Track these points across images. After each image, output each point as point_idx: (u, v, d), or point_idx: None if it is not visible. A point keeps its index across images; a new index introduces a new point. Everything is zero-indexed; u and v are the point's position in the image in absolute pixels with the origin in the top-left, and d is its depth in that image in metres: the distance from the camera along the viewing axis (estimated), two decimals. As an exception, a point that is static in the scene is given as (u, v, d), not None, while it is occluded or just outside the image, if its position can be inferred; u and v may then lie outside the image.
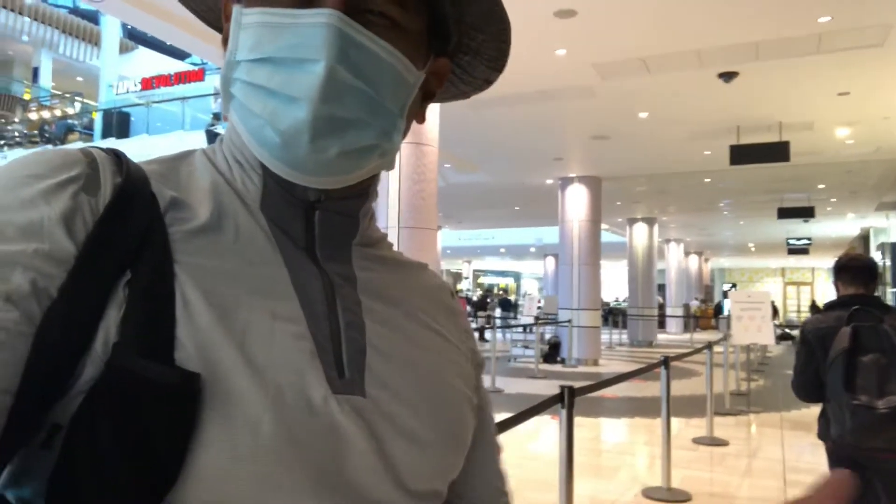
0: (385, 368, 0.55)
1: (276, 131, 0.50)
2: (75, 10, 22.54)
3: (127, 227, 0.48)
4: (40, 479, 0.44)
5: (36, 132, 19.53)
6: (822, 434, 2.93)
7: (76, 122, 19.99)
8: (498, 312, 24.35)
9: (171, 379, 0.43)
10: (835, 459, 2.92)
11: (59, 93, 22.64)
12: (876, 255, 19.91)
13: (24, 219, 0.45)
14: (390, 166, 0.58)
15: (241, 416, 0.45)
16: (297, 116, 0.49)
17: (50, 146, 17.68)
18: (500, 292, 36.59)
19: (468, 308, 24.44)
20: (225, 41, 0.57)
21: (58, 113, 20.88)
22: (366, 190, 0.59)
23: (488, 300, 25.54)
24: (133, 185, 0.50)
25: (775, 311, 17.28)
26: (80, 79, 23.58)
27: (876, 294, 3.00)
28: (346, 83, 0.50)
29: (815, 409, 3.01)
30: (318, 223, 0.56)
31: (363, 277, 0.59)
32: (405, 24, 0.54)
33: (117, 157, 0.52)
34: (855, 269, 2.94)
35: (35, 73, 22.98)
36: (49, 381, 0.43)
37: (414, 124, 0.61)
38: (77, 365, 0.44)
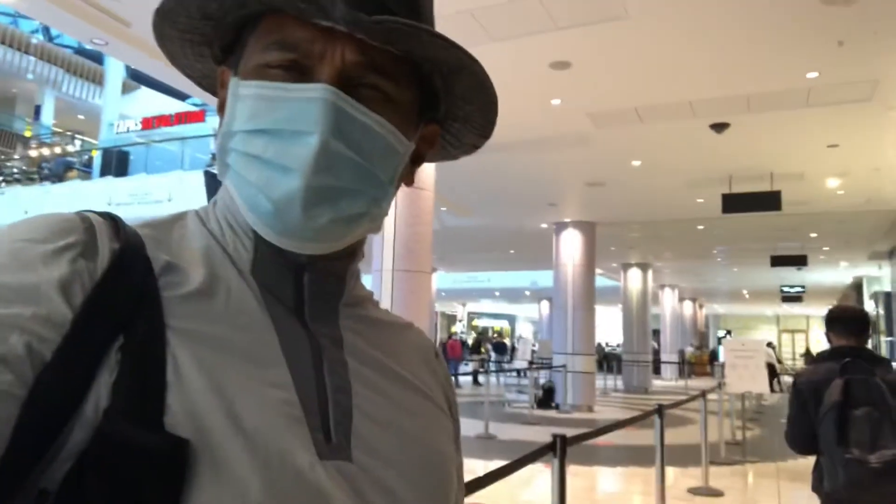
0: (371, 432, 0.55)
1: (270, 200, 0.52)
2: (80, 51, 22.91)
3: (122, 292, 0.49)
4: None
5: (35, 169, 19.64)
6: (816, 488, 2.90)
7: (75, 160, 20.14)
8: (493, 356, 24.19)
9: (160, 445, 0.44)
10: None
11: (60, 130, 22.86)
12: (869, 304, 19.97)
13: (22, 283, 0.46)
14: (378, 230, 0.59)
15: (229, 481, 0.45)
16: (290, 186, 0.51)
17: (48, 183, 17.78)
18: (495, 335, 36.36)
19: (463, 351, 24.29)
20: (221, 108, 0.58)
21: (57, 150, 21.03)
22: (353, 251, 0.61)
23: (483, 343, 25.38)
24: (130, 251, 0.51)
25: (774, 366, 17.00)
26: (81, 117, 23.84)
27: (867, 345, 3.00)
28: (339, 154, 0.52)
29: (811, 459, 2.99)
30: (308, 285, 0.58)
31: (350, 339, 0.60)
32: (396, 97, 0.56)
33: (114, 221, 0.54)
34: (847, 320, 2.95)
35: (37, 110, 23.23)
36: (37, 443, 0.43)
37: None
38: (66, 428, 0.44)
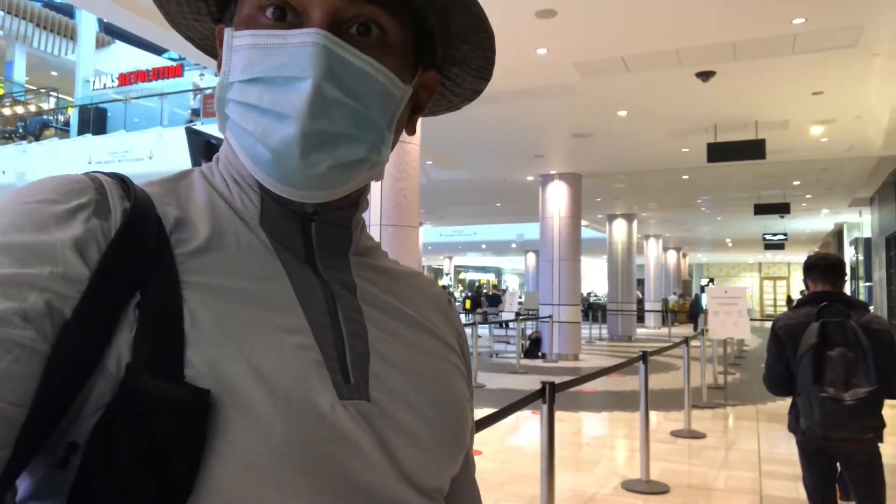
0: (388, 373, 0.57)
1: (268, 148, 0.52)
2: (50, 4, 22.12)
3: (136, 250, 0.50)
4: (58, 497, 0.46)
5: (10, 128, 19.18)
6: (792, 427, 3.02)
7: (52, 118, 19.67)
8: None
9: (182, 396, 0.45)
10: (804, 451, 3.02)
11: (33, 88, 22.24)
12: (849, 251, 20.29)
13: (38, 243, 0.47)
14: (379, 177, 0.60)
15: (253, 426, 0.47)
16: (286, 133, 0.51)
17: (24, 142, 17.40)
18: (492, 289, 36.52)
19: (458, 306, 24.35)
20: (220, 66, 0.58)
21: (32, 108, 20.50)
22: (356, 201, 0.62)
23: (482, 298, 25.39)
24: (140, 209, 0.52)
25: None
26: (54, 73, 23.16)
27: (843, 291, 3.10)
28: (334, 99, 0.52)
29: (788, 401, 3.10)
30: (315, 235, 0.59)
31: (362, 286, 0.61)
32: (391, 38, 0.56)
33: (123, 181, 0.55)
34: (823, 266, 3.04)
35: (8, 67, 22.54)
36: (62, 397, 0.45)
37: None
38: (88, 383, 0.46)
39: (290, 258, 0.58)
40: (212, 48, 0.66)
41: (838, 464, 2.98)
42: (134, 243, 0.50)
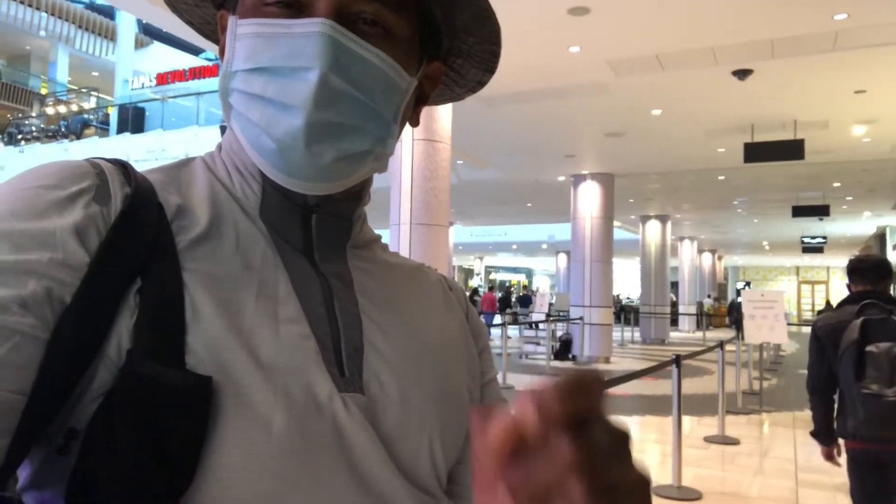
0: (382, 366, 0.56)
1: (273, 138, 0.51)
2: (91, 6, 22.72)
3: (137, 236, 0.49)
4: (58, 484, 0.45)
5: (53, 127, 19.73)
6: (842, 432, 2.93)
7: (92, 117, 20.18)
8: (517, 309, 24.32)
9: (184, 382, 0.45)
10: (856, 461, 2.90)
11: (75, 87, 22.86)
12: (892, 255, 19.69)
13: (38, 229, 0.46)
14: (383, 169, 0.59)
15: (253, 415, 0.47)
16: (292, 123, 0.51)
17: (66, 140, 17.89)
18: (522, 289, 36.43)
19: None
20: (222, 52, 0.58)
21: (74, 108, 21.07)
22: (359, 193, 0.61)
23: (512, 298, 25.32)
24: (142, 196, 0.52)
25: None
26: (95, 74, 23.79)
27: (888, 291, 3.03)
28: (340, 90, 0.51)
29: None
30: (315, 226, 0.58)
31: (359, 278, 0.61)
32: (397, 31, 0.55)
33: (124, 167, 0.54)
34: (864, 268, 3.01)
35: (52, 68, 23.20)
36: (62, 383, 0.45)
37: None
38: (89, 369, 0.45)
39: (288, 250, 0.57)
40: (213, 33, 0.65)
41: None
42: (134, 229, 0.50)
